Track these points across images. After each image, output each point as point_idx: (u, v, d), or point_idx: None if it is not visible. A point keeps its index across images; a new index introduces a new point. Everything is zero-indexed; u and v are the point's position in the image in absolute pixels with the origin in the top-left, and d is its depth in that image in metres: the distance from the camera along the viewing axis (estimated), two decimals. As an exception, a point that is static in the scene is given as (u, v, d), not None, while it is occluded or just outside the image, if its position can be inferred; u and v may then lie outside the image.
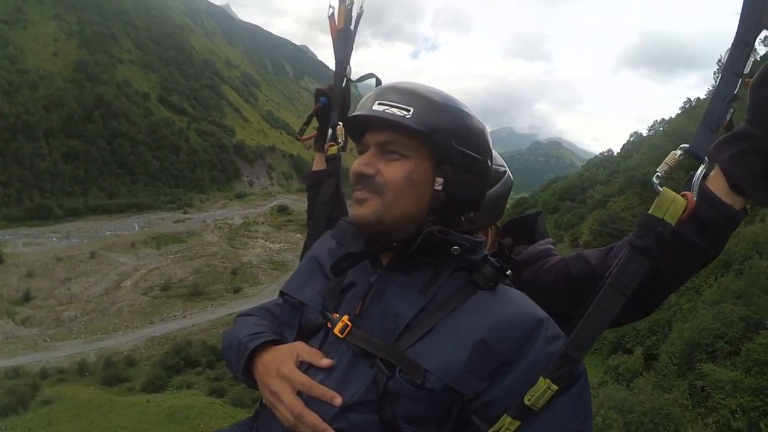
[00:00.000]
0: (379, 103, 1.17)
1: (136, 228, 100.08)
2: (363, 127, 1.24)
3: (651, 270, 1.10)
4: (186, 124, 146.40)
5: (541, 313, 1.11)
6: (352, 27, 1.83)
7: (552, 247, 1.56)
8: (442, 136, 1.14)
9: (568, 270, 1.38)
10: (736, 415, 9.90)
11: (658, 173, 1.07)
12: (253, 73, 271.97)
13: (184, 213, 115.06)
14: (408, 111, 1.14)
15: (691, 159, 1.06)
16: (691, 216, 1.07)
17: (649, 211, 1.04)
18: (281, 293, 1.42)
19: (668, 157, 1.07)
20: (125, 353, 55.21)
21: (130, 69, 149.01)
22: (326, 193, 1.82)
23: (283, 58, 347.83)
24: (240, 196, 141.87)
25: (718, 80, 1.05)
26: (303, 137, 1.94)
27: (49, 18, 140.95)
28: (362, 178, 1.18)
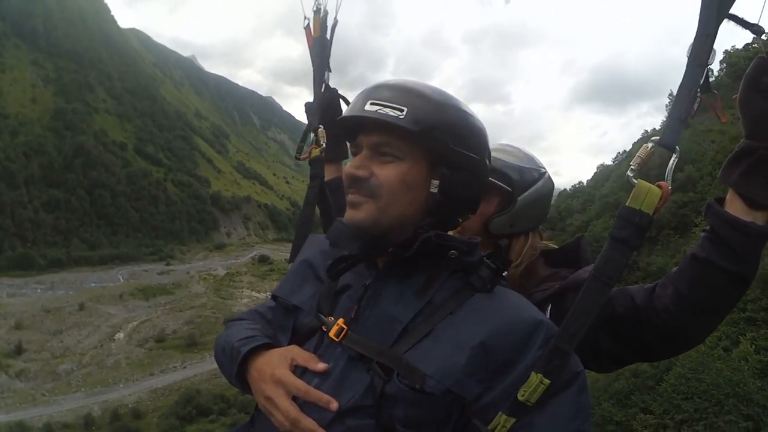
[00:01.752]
0: (371, 103, 1.13)
1: (121, 280, 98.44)
2: (355, 128, 1.19)
3: (691, 304, 1.16)
4: (163, 175, 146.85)
5: (540, 315, 1.11)
6: (327, 36, 1.92)
7: None
8: (438, 136, 1.11)
9: (612, 305, 1.35)
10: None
11: (632, 166, 1.09)
12: (222, 124, 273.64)
13: (167, 264, 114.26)
14: (401, 111, 1.10)
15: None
16: (719, 243, 1.11)
17: (627, 204, 1.07)
18: (273, 296, 1.40)
19: (640, 150, 1.10)
20: (130, 406, 54.12)
21: (106, 119, 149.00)
22: (311, 195, 1.85)
23: (249, 109, 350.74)
24: (219, 247, 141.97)
25: (684, 72, 1.08)
26: (302, 157, 1.93)
27: (26, 63, 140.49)
28: (356, 181, 1.15)
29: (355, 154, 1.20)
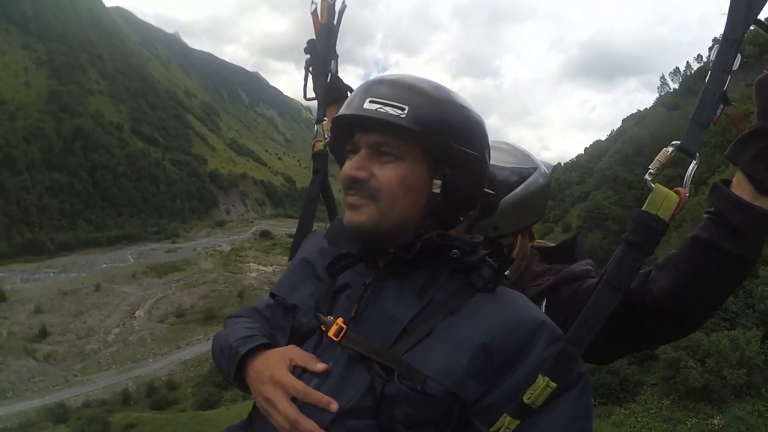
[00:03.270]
0: (370, 101, 1.08)
1: (131, 260, 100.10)
2: (353, 126, 1.15)
3: (690, 286, 1.14)
4: (160, 155, 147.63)
5: (542, 316, 1.10)
6: (335, 22, 1.86)
7: (591, 268, 1.54)
8: (440, 135, 1.08)
9: None
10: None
11: (650, 170, 1.08)
12: (212, 102, 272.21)
13: (173, 243, 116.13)
14: (402, 109, 1.06)
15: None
16: (723, 225, 1.09)
17: (643, 208, 1.05)
18: (272, 294, 1.37)
19: (660, 154, 1.08)
20: (163, 378, 55.83)
21: (100, 100, 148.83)
22: (313, 190, 1.81)
23: (237, 85, 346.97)
24: (220, 224, 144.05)
25: (707, 77, 1.07)
26: (309, 98, 1.93)
27: (17, 47, 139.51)
28: (355, 183, 1.11)
29: (352, 153, 1.17)
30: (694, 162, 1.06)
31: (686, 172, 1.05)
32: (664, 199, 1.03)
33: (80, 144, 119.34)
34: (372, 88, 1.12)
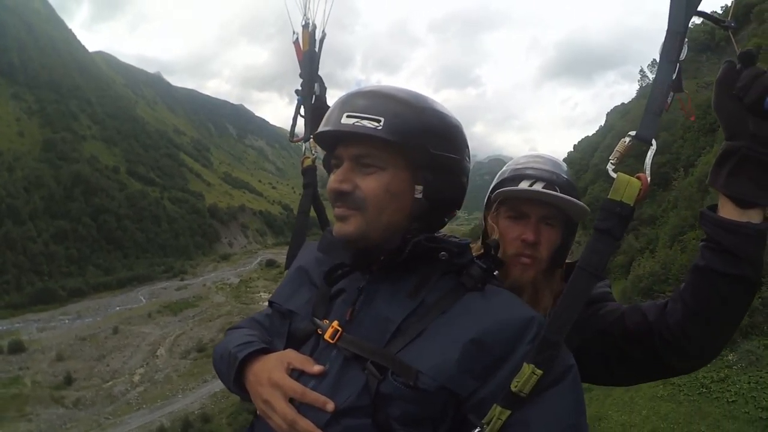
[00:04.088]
0: (347, 116, 1.13)
1: (143, 300, 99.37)
2: (334, 140, 1.20)
3: (699, 315, 1.16)
4: (159, 194, 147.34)
5: (531, 313, 1.12)
6: (316, 49, 1.97)
7: (609, 290, 1.58)
8: (417, 143, 1.12)
9: (624, 322, 1.36)
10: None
11: (611, 160, 1.13)
12: (201, 138, 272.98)
13: (182, 280, 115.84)
14: (378, 121, 1.10)
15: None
16: (718, 249, 1.12)
17: (608, 196, 1.09)
18: (270, 303, 1.43)
19: (618, 144, 1.14)
20: (196, 412, 55.56)
21: (94, 145, 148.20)
22: (305, 204, 1.88)
23: (224, 119, 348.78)
24: (225, 258, 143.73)
25: (657, 68, 1.12)
26: (295, 140, 2.03)
27: (7, 98, 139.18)
28: (340, 195, 1.15)
29: (336, 166, 1.20)
30: (652, 148, 1.10)
31: (646, 158, 1.09)
32: (626, 186, 1.07)
33: (80, 190, 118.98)
34: (348, 102, 1.15)
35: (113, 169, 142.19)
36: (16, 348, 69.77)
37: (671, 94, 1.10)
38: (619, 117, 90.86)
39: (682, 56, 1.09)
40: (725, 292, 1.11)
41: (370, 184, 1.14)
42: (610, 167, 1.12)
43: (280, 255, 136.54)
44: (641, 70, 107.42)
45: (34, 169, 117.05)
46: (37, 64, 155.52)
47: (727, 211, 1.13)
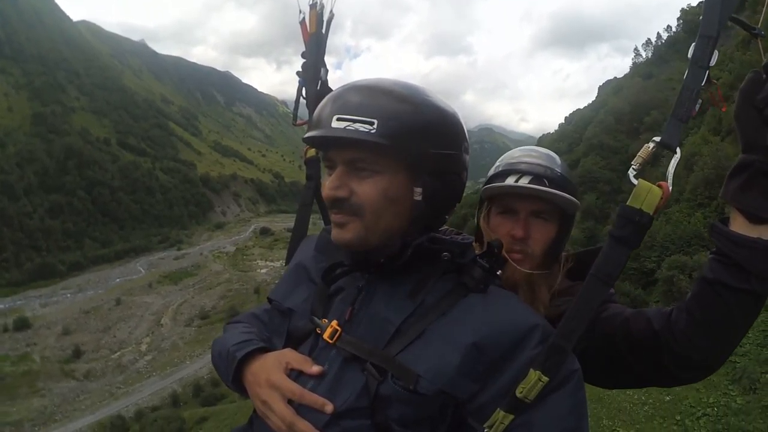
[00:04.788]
0: (338, 118, 1.05)
1: (142, 271, 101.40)
2: (325, 144, 1.13)
3: (704, 326, 1.14)
4: (151, 165, 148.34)
5: (536, 319, 1.09)
6: (323, 31, 1.85)
7: (614, 291, 1.48)
8: (415, 143, 1.05)
9: (628, 327, 1.33)
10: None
11: (633, 166, 1.09)
12: (188, 106, 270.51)
13: (179, 249, 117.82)
14: (372, 124, 1.02)
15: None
16: (727, 263, 1.09)
17: (627, 203, 1.05)
18: (269, 299, 1.39)
19: (642, 150, 1.09)
20: (206, 377, 57.19)
21: (83, 116, 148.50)
22: (307, 196, 1.81)
23: (211, 87, 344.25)
24: (219, 226, 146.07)
25: (686, 73, 1.08)
26: (298, 123, 1.87)
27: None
28: (336, 202, 1.09)
29: (329, 168, 1.15)
30: (676, 156, 1.08)
31: (668, 166, 1.08)
32: (647, 194, 1.04)
33: (73, 163, 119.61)
34: (339, 104, 1.07)
35: (104, 140, 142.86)
36: (22, 325, 71.27)
37: (699, 100, 1.07)
38: (612, 93, 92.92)
39: (713, 62, 1.06)
40: (732, 305, 1.11)
41: (366, 190, 1.08)
42: (631, 173, 1.08)
43: (274, 223, 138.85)
44: (635, 49, 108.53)
45: (26, 144, 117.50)
46: (23, 37, 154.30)
47: (738, 225, 1.11)
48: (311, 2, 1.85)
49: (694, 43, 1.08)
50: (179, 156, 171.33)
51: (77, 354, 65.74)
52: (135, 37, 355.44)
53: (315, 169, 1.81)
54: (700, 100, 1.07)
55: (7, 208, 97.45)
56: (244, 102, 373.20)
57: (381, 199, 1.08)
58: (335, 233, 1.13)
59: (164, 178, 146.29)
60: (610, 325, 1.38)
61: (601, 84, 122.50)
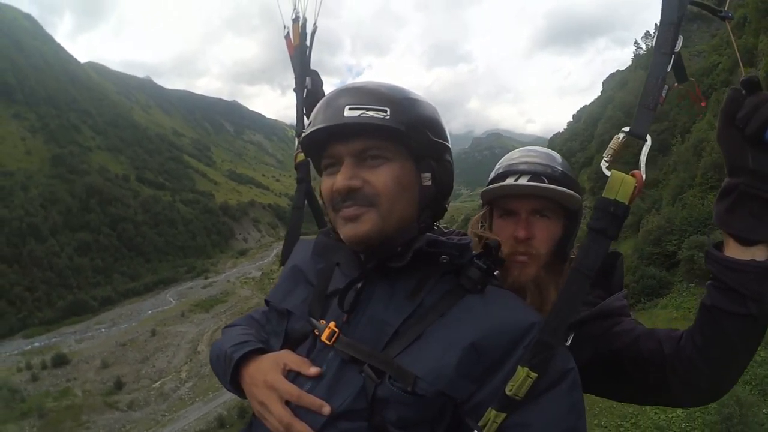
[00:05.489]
0: (350, 108, 1.07)
1: (172, 301, 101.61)
2: (327, 139, 1.14)
3: (706, 352, 1.14)
4: (170, 197, 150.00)
5: (533, 318, 1.09)
6: (307, 43, 1.90)
7: (626, 303, 1.49)
8: (420, 131, 1.11)
9: (638, 347, 1.31)
10: None
11: (605, 158, 1.09)
12: (199, 138, 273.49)
13: (206, 278, 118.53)
14: (385, 111, 1.07)
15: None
16: (723, 288, 1.10)
17: (602, 195, 1.05)
18: (266, 301, 1.40)
19: (612, 141, 1.10)
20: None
21: (100, 155, 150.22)
22: (299, 200, 1.82)
23: (219, 117, 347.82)
24: (242, 253, 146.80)
25: (650, 61, 1.08)
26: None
27: (9, 118, 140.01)
28: (350, 193, 1.09)
29: (330, 166, 1.16)
30: (646, 144, 1.07)
31: (640, 155, 1.06)
32: (620, 184, 1.04)
33: (96, 201, 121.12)
34: (342, 97, 1.10)
35: (123, 177, 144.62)
36: (60, 361, 71.26)
37: (665, 87, 1.06)
38: (618, 88, 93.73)
39: (677, 47, 1.06)
40: (732, 330, 1.10)
41: (380, 178, 1.09)
42: (603, 165, 1.09)
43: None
44: (636, 42, 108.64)
45: (48, 186, 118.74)
46: (33, 82, 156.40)
47: (731, 248, 1.11)
48: (293, 17, 1.92)
49: (656, 32, 1.07)
50: (196, 187, 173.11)
51: (119, 385, 65.70)
52: (140, 74, 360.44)
53: (305, 172, 1.81)
54: (666, 87, 1.06)
55: (36, 249, 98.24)
56: (253, 129, 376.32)
57: (395, 185, 1.09)
58: (349, 229, 1.11)
59: (185, 209, 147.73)
60: (621, 342, 1.36)
61: (604, 78, 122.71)
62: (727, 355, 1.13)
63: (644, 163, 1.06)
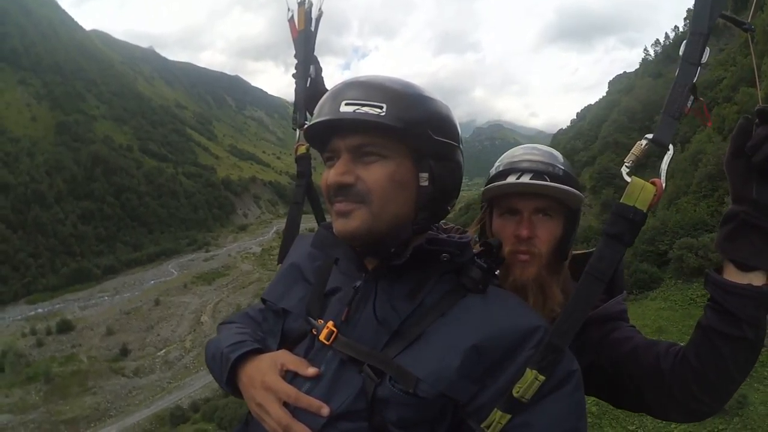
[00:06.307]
0: (346, 104, 1.05)
1: (174, 273, 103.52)
2: (329, 132, 1.11)
3: (700, 373, 1.15)
4: (173, 170, 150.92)
5: (536, 321, 1.08)
6: (312, 28, 1.83)
7: (625, 307, 1.50)
8: (420, 129, 1.06)
9: (637, 359, 1.30)
10: None
11: (626, 164, 1.08)
12: (201, 111, 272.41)
13: (207, 251, 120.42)
14: (381, 108, 1.03)
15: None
16: (720, 310, 1.11)
17: (621, 200, 1.05)
18: (263, 299, 1.37)
19: (634, 147, 1.09)
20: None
21: (104, 124, 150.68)
22: (299, 195, 1.77)
23: (221, 91, 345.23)
24: (243, 228, 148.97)
25: (677, 70, 1.07)
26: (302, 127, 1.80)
27: (14, 84, 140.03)
28: (342, 189, 1.07)
29: (330, 159, 1.13)
30: (669, 153, 1.07)
31: (662, 163, 1.06)
32: (640, 191, 1.04)
33: (100, 170, 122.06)
34: (345, 91, 1.08)
35: (127, 147, 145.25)
36: (65, 327, 72.99)
37: (692, 97, 1.06)
38: (624, 91, 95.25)
39: (704, 59, 1.05)
40: (726, 352, 1.11)
41: (373, 175, 1.06)
42: (624, 170, 1.08)
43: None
44: (645, 49, 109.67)
45: (53, 153, 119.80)
46: (40, 48, 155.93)
47: (730, 272, 1.12)
48: (299, 0, 1.86)
49: (685, 41, 1.09)
50: (199, 161, 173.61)
51: (124, 352, 67.56)
52: (143, 44, 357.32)
53: (306, 167, 1.79)
54: (691, 97, 1.06)
55: (40, 216, 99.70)
56: (255, 105, 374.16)
57: (388, 183, 1.07)
58: (339, 224, 1.10)
59: (187, 182, 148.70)
60: (618, 350, 1.36)
61: (611, 79, 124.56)
62: (720, 376, 1.15)
63: (665, 171, 1.06)
